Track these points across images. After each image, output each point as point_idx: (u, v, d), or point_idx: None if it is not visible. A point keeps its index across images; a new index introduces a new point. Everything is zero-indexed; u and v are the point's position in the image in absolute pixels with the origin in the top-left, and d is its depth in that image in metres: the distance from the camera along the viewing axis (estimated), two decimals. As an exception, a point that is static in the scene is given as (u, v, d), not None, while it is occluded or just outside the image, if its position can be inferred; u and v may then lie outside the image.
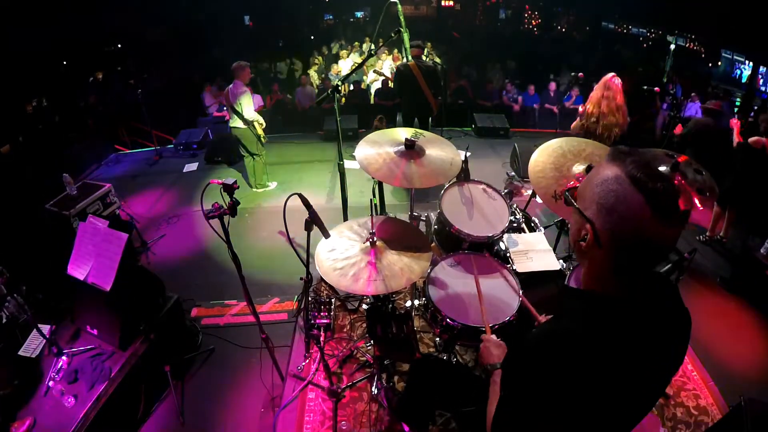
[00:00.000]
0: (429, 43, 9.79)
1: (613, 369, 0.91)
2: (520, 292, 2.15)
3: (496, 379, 1.34)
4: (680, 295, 1.01)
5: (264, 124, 4.99)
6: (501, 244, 2.61)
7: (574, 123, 3.77)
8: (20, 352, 2.36)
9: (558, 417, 0.93)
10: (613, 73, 3.47)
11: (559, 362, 0.91)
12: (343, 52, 9.81)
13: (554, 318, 1.09)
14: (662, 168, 0.85)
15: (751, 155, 3.66)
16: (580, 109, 3.78)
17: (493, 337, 1.62)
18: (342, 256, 2.11)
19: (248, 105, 4.69)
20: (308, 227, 1.98)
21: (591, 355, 0.91)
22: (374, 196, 2.74)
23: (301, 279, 2.24)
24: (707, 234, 4.22)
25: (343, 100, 8.15)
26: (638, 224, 0.84)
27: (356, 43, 10.74)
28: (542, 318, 1.73)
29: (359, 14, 15.71)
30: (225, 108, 4.91)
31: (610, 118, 3.39)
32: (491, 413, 1.15)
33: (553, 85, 8.17)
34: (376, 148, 2.49)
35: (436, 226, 2.72)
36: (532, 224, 2.95)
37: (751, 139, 3.62)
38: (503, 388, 1.11)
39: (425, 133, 2.63)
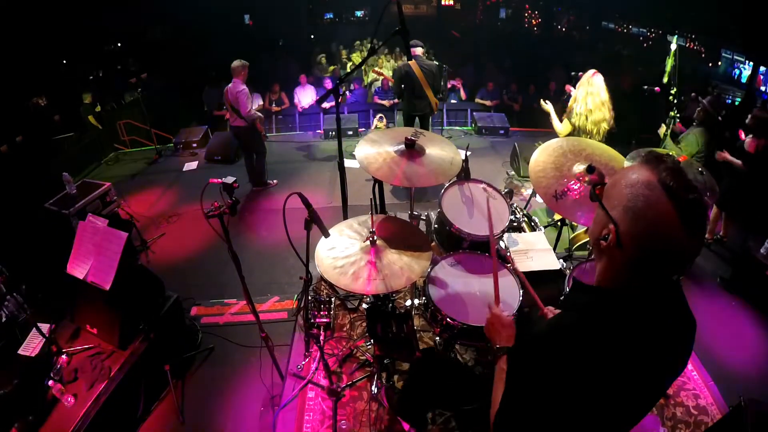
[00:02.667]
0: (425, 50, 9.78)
1: (618, 364, 0.91)
2: (521, 292, 2.15)
3: (503, 365, 1.30)
4: (686, 299, 1.01)
5: (264, 122, 4.99)
6: (501, 243, 2.61)
7: (564, 122, 3.77)
8: (20, 351, 2.36)
9: (562, 411, 0.92)
10: (594, 70, 3.48)
11: (566, 356, 0.91)
12: (354, 56, 9.79)
13: (563, 312, 1.08)
14: (693, 180, 0.85)
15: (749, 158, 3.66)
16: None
17: (505, 314, 1.49)
18: (342, 255, 2.10)
19: (248, 103, 4.69)
20: (308, 226, 1.98)
21: (597, 349, 0.91)
22: (374, 195, 2.74)
23: (301, 278, 2.23)
24: (707, 234, 4.21)
25: (343, 99, 8.14)
26: (664, 232, 0.84)
27: (356, 42, 10.72)
28: (547, 309, 1.68)
29: (359, 13, 15.69)
30: (225, 107, 4.91)
31: (597, 114, 3.42)
32: (496, 400, 1.13)
33: (553, 85, 8.17)
34: (376, 147, 2.49)
35: (436, 225, 2.72)
36: (533, 224, 2.96)
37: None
38: (508, 381, 1.10)
39: (425, 132, 2.63)
